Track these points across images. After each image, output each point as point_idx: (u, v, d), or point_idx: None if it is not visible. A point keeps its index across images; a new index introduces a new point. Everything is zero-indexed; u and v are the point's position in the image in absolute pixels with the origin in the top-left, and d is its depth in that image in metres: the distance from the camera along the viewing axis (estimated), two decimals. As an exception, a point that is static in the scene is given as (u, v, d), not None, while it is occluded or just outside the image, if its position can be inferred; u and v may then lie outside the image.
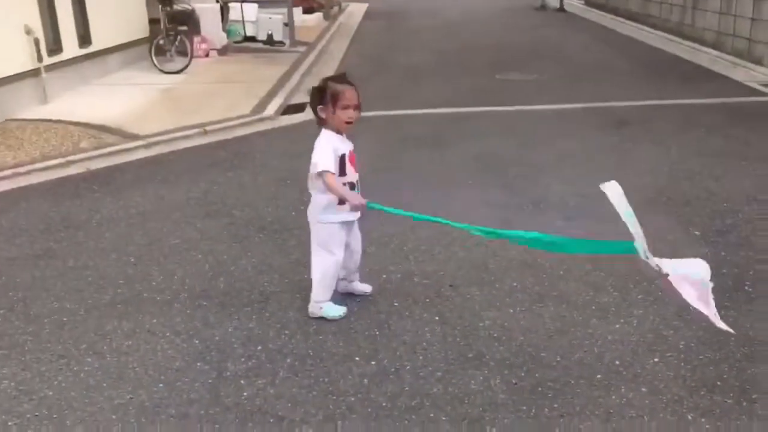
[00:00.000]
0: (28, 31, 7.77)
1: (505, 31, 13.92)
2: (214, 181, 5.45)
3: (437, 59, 11.06)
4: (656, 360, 2.95)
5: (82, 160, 6.12)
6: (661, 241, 4.02)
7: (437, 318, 3.33)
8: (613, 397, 2.72)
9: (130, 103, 8.09)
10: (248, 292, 3.65)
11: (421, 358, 3.03)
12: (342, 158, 3.17)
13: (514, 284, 3.62)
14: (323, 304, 3.34)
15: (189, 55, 9.92)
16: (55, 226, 4.63)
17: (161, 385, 2.88)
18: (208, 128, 6.97)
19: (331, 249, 3.28)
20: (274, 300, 3.53)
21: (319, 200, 3.23)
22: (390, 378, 2.88)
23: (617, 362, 2.94)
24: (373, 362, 3.00)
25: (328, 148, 3.13)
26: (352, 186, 3.22)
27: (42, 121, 7.16)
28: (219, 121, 7.19)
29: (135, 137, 6.70)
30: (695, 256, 3.77)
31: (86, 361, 3.06)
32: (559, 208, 4.61)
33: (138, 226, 4.57)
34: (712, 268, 3.63)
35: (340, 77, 3.22)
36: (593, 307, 3.37)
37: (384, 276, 3.77)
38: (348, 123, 3.16)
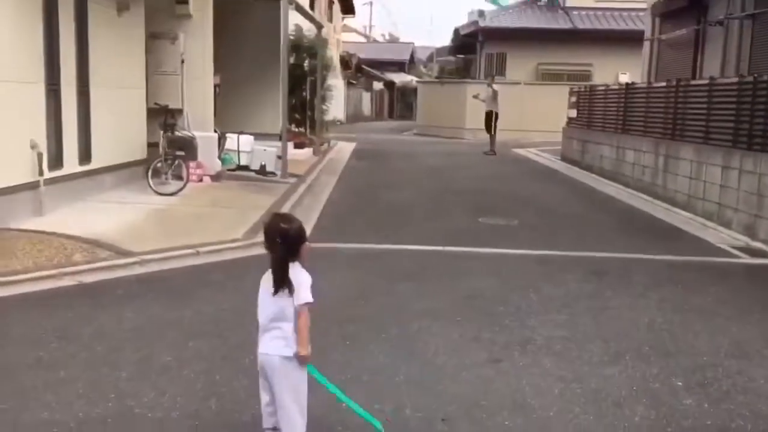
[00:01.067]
0: (33, 146, 8.04)
1: (486, 178, 14.56)
2: (206, 301, 5.52)
3: (421, 199, 11.50)
4: (647, 507, 2.98)
5: (74, 273, 6.17)
6: (644, 389, 4.15)
7: (430, 452, 3.35)
8: None
9: (124, 220, 8.25)
10: (239, 414, 3.66)
11: (414, 491, 3.03)
12: None
13: (506, 423, 3.67)
14: None
15: (185, 179, 10.24)
16: (46, 336, 4.62)
17: (152, 504, 2.84)
18: (200, 250, 7.12)
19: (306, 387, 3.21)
20: (268, 424, 3.52)
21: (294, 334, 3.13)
22: None
23: (609, 507, 2.97)
24: (366, 493, 2.99)
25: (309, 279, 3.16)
26: None
27: (36, 233, 7.25)
28: (212, 243, 7.35)
29: (128, 254, 6.80)
30: (678, 407, 3.91)
31: (76, 475, 3.02)
32: (545, 351, 4.72)
33: (130, 342, 4.59)
34: (696, 419, 3.76)
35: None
36: (583, 450, 3.42)
37: (376, 406, 3.80)
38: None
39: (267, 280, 3.23)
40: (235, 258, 7.01)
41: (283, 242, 3.14)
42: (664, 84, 12.69)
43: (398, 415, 3.72)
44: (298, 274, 3.15)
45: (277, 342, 3.18)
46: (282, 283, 3.11)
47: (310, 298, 3.11)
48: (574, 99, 18.18)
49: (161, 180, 10.32)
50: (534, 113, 24.68)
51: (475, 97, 20.88)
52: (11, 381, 3.92)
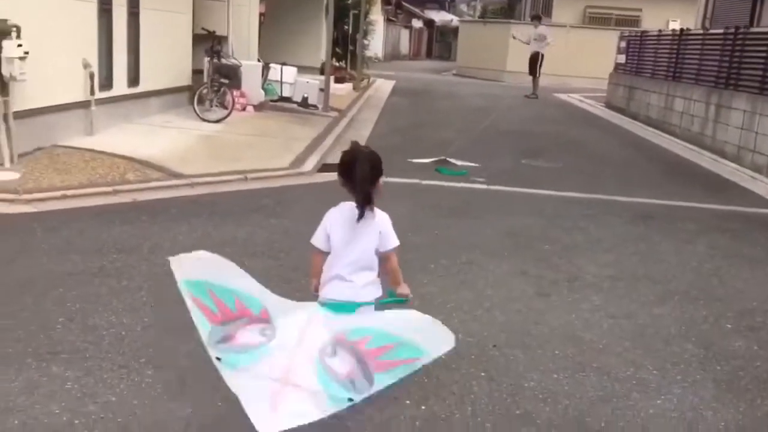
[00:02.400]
0: (86, 65, 8.11)
1: (528, 120, 14.38)
2: (258, 224, 5.63)
3: (463, 138, 11.39)
4: (697, 437, 3.05)
5: (128, 191, 6.31)
6: (693, 329, 4.18)
7: (483, 374, 3.44)
8: (659, 466, 2.81)
9: (172, 144, 8.35)
10: (298, 329, 3.76)
11: (469, 409, 3.12)
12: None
13: (556, 352, 3.74)
14: None
15: (229, 107, 10.28)
16: (107, 247, 4.77)
17: (220, 404, 2.98)
18: (249, 175, 7.20)
19: None
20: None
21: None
22: (440, 423, 2.98)
23: (660, 435, 3.04)
24: (423, 407, 3.10)
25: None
26: None
27: (88, 151, 7.40)
28: (259, 170, 7.44)
29: (179, 176, 6.92)
30: (728, 348, 3.93)
31: (146, 374, 3.16)
32: (593, 288, 4.76)
33: (187, 257, 4.71)
34: (747, 360, 3.79)
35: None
36: (634, 382, 3.48)
37: (429, 330, 3.88)
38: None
39: (340, 218, 2.87)
40: (282, 185, 7.09)
41: (371, 163, 2.80)
42: (721, 31, 12.28)
43: (450, 339, 3.80)
44: (381, 214, 2.88)
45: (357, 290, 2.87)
46: (367, 202, 2.78)
47: (397, 242, 2.91)
48: (623, 44, 17.69)
49: (206, 107, 10.37)
50: (578, 58, 24.11)
51: (515, 37, 20.39)
52: (78, 287, 4.07)
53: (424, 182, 7.75)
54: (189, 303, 2.55)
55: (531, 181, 8.34)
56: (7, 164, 6.54)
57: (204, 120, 10.04)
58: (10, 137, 6.60)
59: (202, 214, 5.77)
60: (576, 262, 5.29)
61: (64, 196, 5.95)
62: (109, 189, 6.29)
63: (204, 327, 2.54)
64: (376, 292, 2.92)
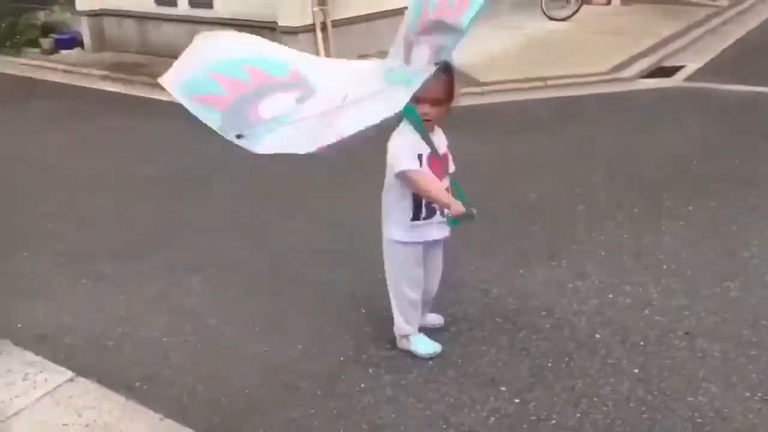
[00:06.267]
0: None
1: None
2: (534, 144, 5.05)
3: None
4: None
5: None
6: None
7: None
8: None
9: (494, 47, 7.83)
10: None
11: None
12: (419, 158, 2.39)
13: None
14: (412, 337, 2.68)
15: (578, 3, 9.35)
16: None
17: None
18: (549, 83, 6.54)
19: (406, 272, 2.57)
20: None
21: (390, 211, 2.51)
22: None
23: None
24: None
25: (404, 145, 2.40)
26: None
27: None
28: (565, 77, 6.69)
29: (473, 83, 6.61)
30: None
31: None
32: None
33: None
34: None
35: None
36: None
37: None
38: (424, 120, 2.37)
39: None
40: (580, 95, 6.26)
41: None
42: None
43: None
44: (395, 136, 2.43)
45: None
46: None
47: (401, 166, 2.38)
48: None
49: (558, 3, 9.53)
50: None
51: None
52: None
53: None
54: (187, 104, 2.06)
55: None
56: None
57: (551, 18, 9.30)
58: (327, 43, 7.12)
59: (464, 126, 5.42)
60: None
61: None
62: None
63: (213, 118, 2.01)
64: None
